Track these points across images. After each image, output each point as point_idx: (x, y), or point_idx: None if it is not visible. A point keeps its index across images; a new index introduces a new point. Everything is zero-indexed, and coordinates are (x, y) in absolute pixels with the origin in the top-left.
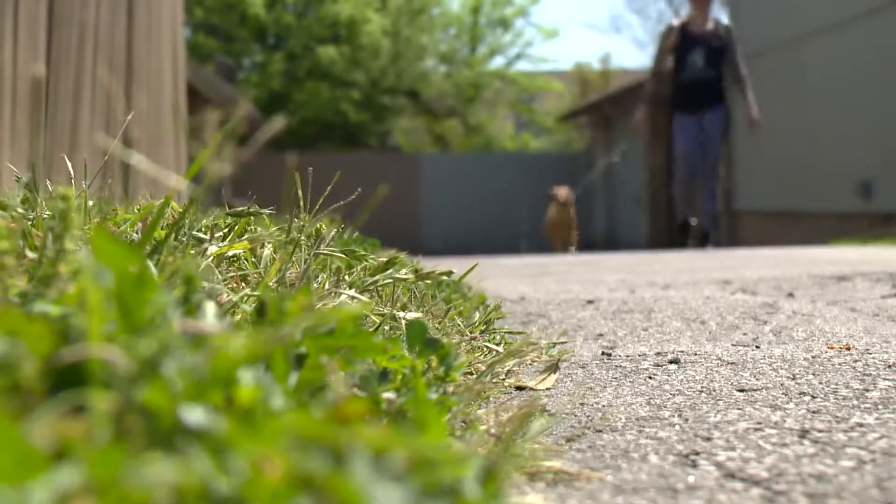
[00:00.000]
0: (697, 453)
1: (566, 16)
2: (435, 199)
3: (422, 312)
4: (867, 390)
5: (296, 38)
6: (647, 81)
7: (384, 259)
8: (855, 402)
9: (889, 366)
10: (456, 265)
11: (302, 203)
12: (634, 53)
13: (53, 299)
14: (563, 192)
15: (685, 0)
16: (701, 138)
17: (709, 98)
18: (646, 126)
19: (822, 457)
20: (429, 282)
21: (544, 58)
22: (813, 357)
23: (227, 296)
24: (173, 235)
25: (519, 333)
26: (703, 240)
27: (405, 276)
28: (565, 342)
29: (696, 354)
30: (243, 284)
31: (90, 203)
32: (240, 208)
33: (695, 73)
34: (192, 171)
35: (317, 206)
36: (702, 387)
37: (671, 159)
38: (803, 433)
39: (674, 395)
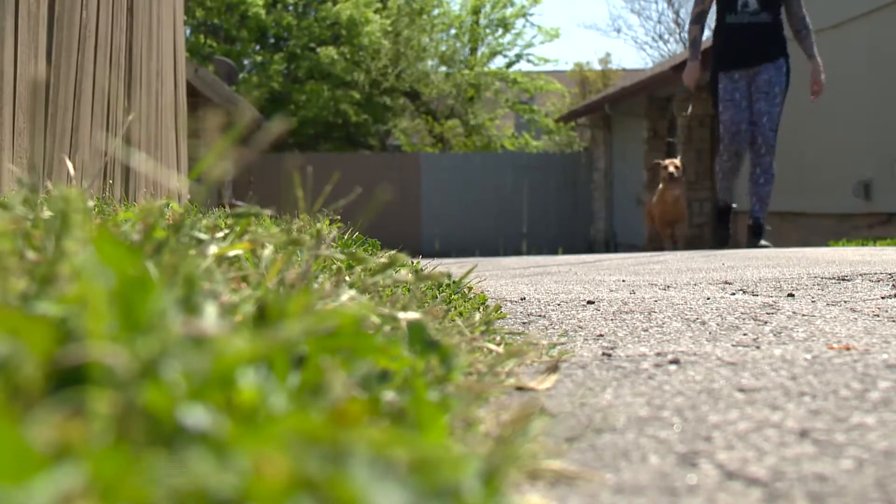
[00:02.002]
0: (698, 453)
1: (566, 16)
2: (435, 199)
3: (422, 313)
4: (867, 391)
5: (296, 38)
6: (690, 29)
7: (384, 260)
8: (855, 403)
9: (889, 366)
10: (456, 265)
11: (302, 203)
12: (634, 53)
13: (54, 300)
14: (673, 163)
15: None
16: (752, 102)
17: (764, 49)
18: (702, 75)
19: (822, 457)
20: (429, 282)
21: (545, 58)
22: (813, 357)
23: (228, 296)
24: (174, 236)
25: (519, 334)
26: (755, 232)
27: (405, 277)
28: (565, 342)
29: (696, 355)
30: (244, 285)
31: (91, 203)
32: (240, 209)
33: (746, 17)
34: (194, 174)
35: (317, 207)
36: (702, 387)
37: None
38: (803, 433)
39: (674, 395)
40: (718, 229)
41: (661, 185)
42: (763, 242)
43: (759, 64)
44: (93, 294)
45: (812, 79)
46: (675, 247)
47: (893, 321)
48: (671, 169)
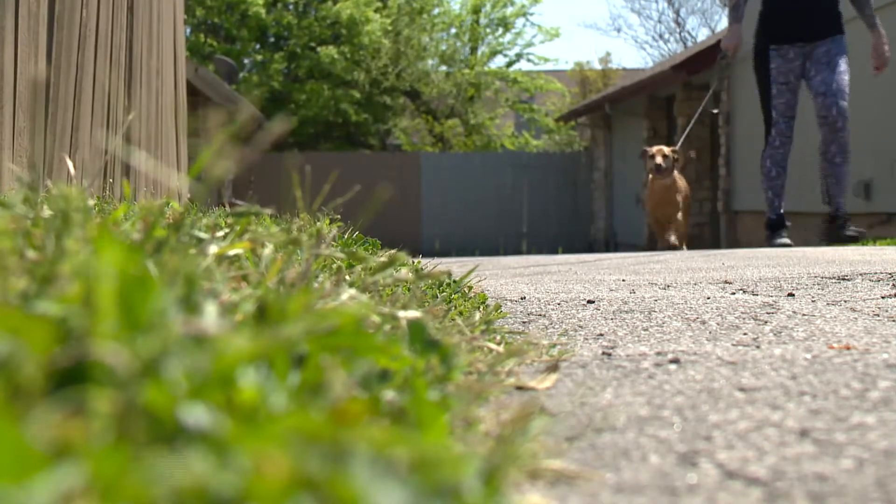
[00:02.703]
0: (698, 453)
1: (566, 15)
2: (435, 199)
3: (422, 312)
4: (867, 390)
5: (296, 37)
6: None
7: (384, 259)
8: (855, 402)
9: (889, 366)
10: (456, 265)
11: (302, 202)
12: (634, 53)
13: (54, 299)
14: (660, 151)
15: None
16: (811, 77)
17: (822, 22)
18: (742, 41)
19: (822, 457)
20: (429, 281)
21: (545, 57)
22: (813, 357)
23: (228, 296)
24: (175, 235)
25: (519, 333)
26: (839, 222)
27: (406, 276)
28: (565, 342)
29: (696, 354)
30: (244, 284)
31: (91, 203)
32: (241, 208)
33: None
34: (194, 172)
35: (317, 206)
36: (702, 386)
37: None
38: (804, 433)
39: (674, 394)
40: (776, 240)
41: (650, 177)
42: (851, 232)
43: (815, 40)
44: (93, 293)
45: (874, 52)
46: (671, 246)
47: (893, 321)
48: (658, 159)
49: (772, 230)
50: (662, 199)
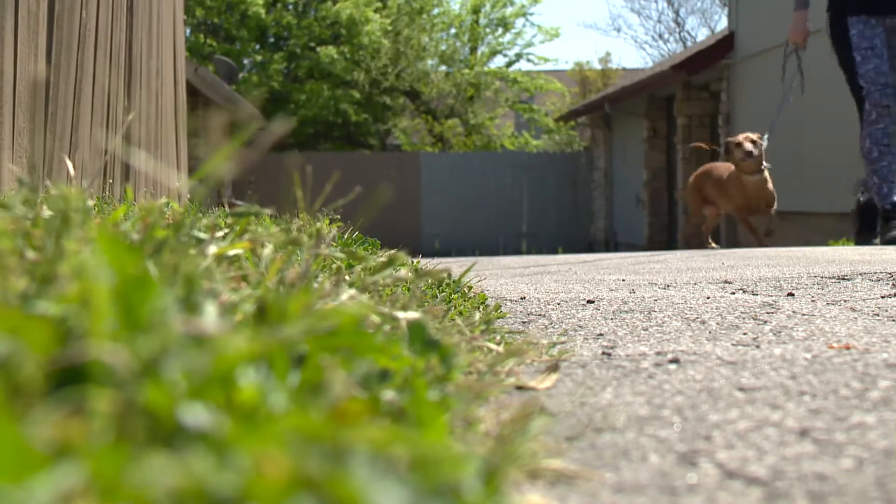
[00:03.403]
0: (698, 453)
1: (566, 15)
2: (435, 199)
3: (422, 312)
4: (867, 390)
5: (296, 37)
6: None
7: (384, 259)
8: (855, 402)
9: (889, 365)
10: (456, 265)
11: (302, 203)
12: (634, 53)
13: (54, 299)
14: (748, 138)
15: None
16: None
17: None
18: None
19: (822, 456)
20: (429, 281)
21: (544, 57)
22: (813, 357)
23: (228, 296)
24: (174, 235)
25: (519, 333)
26: (873, 223)
27: (405, 276)
28: (565, 342)
29: (696, 354)
30: (244, 284)
31: (90, 203)
32: (240, 208)
33: None
34: (199, 175)
35: (317, 206)
36: (702, 386)
37: (671, 161)
38: (803, 432)
39: (674, 394)
40: (863, 232)
41: (733, 169)
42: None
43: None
44: (93, 293)
45: None
46: (764, 240)
47: (893, 320)
48: (747, 146)
49: (885, 221)
50: (759, 193)
